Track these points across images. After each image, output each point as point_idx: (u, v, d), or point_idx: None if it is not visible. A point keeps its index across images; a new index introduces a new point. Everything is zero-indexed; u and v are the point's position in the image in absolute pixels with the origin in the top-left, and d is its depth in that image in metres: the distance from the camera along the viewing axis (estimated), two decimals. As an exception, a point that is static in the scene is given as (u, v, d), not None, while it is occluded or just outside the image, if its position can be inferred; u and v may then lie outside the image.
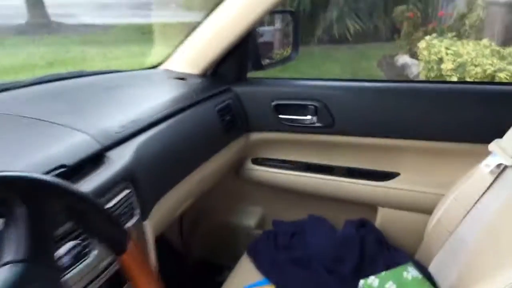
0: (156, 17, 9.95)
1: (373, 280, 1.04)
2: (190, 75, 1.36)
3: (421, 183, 1.30)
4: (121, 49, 7.47)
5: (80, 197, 0.53)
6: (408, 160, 1.32)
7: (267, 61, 1.54)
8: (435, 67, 3.96)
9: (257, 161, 1.47)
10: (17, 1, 12.45)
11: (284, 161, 1.44)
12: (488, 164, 1.07)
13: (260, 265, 1.22)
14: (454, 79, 3.50)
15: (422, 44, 4.50)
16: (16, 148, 0.78)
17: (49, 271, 0.47)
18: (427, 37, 4.43)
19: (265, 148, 1.46)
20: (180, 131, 1.12)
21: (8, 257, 0.45)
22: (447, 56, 3.75)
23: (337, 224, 1.32)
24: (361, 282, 1.04)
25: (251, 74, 1.48)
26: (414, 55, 5.84)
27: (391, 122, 1.28)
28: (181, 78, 1.34)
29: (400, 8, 6.19)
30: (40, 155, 0.75)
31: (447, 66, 3.62)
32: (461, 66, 3.45)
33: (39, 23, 9.19)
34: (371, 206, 1.36)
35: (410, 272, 1.07)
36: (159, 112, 1.09)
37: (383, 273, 1.05)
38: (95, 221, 0.55)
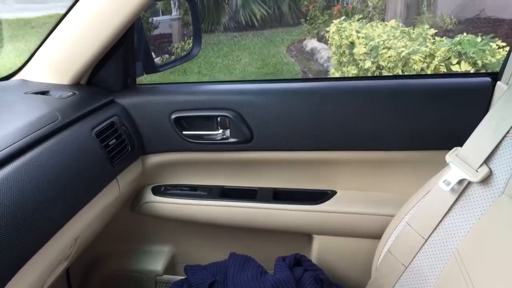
0: (48, 10, 9.16)
1: None
2: (56, 87, 1.01)
3: (363, 203, 1.07)
4: (7, 47, 6.76)
5: None
6: (345, 176, 1.09)
7: (166, 56, 1.23)
8: (347, 51, 3.84)
9: (158, 191, 1.15)
10: None
11: (192, 187, 1.15)
12: (447, 180, 0.86)
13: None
14: (368, 63, 3.40)
15: (332, 28, 4.38)
16: None
17: None
18: (336, 21, 4.32)
19: (166, 173, 1.15)
20: (42, 170, 0.78)
21: None
22: (358, 40, 3.64)
23: (267, 262, 1.05)
24: None
25: (141, 80, 1.15)
26: (322, 39, 5.77)
27: (322, 131, 1.03)
28: (43, 91, 0.98)
29: (305, -8, 6.11)
30: None
31: (359, 50, 3.51)
32: (373, 50, 3.36)
33: None
34: (305, 235, 1.11)
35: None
36: (8, 146, 0.75)
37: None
38: None
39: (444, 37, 3.31)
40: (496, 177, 0.79)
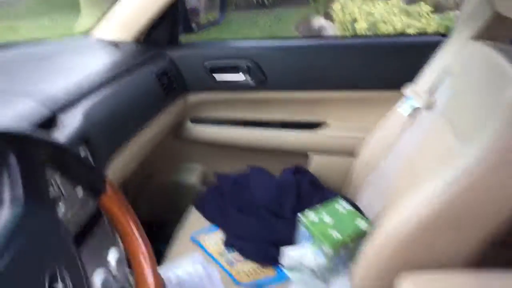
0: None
1: (311, 214, 1.18)
2: (123, 42, 1.39)
3: (346, 129, 1.45)
4: (36, 21, 7.06)
5: (61, 147, 0.58)
6: (334, 110, 1.46)
7: (195, 25, 1.60)
8: (349, 27, 4.18)
9: (196, 120, 1.55)
10: None
11: (222, 119, 1.53)
12: (404, 108, 1.23)
13: (207, 215, 1.32)
14: (368, 37, 3.73)
15: (336, 6, 4.71)
16: None
17: (46, 208, 0.53)
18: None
19: (202, 107, 1.53)
20: (122, 95, 1.17)
21: (6, 199, 0.51)
22: (360, 16, 3.98)
23: (275, 172, 1.44)
24: (301, 217, 1.18)
25: (182, 38, 1.53)
26: (328, 17, 6.06)
27: (317, 76, 1.41)
28: (114, 44, 1.36)
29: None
30: None
31: (361, 25, 3.85)
32: (373, 24, 3.69)
33: None
34: (304, 154, 1.50)
35: (341, 204, 1.21)
36: (99, 78, 1.13)
37: (317, 206, 1.19)
38: (74, 168, 0.61)
39: (436, 14, 3.62)
40: (437, 104, 1.15)
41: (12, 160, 0.52)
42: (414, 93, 1.20)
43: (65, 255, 0.54)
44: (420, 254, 0.88)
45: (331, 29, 5.79)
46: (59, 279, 0.51)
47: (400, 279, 0.83)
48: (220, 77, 1.44)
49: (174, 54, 1.45)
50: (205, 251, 1.20)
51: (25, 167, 0.52)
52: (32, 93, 0.94)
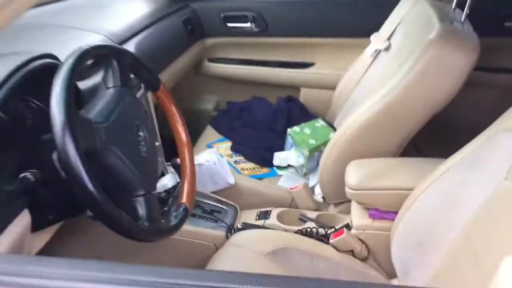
0: None
1: (295, 128, 1.60)
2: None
3: (329, 69, 1.84)
4: None
5: (136, 57, 1.00)
6: (321, 53, 1.86)
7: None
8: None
9: (212, 60, 1.95)
10: None
11: (232, 59, 1.94)
12: (369, 50, 1.62)
13: (220, 130, 1.75)
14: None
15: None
16: (62, 39, 1.22)
17: (131, 92, 0.95)
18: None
19: (218, 49, 1.93)
20: (158, 35, 1.58)
21: (111, 85, 0.93)
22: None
23: (273, 101, 1.86)
24: (288, 130, 1.60)
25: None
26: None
27: (308, 26, 1.79)
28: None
29: None
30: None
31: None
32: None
33: None
34: (296, 87, 1.90)
35: (319, 123, 1.63)
36: (142, 22, 1.53)
37: (302, 124, 1.62)
38: (142, 70, 1.03)
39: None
40: (392, 47, 1.54)
41: (114, 62, 0.94)
42: (377, 39, 1.59)
43: (142, 117, 0.97)
44: (363, 147, 1.29)
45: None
46: (142, 128, 0.94)
47: (349, 167, 1.25)
48: (232, 25, 1.84)
49: (197, 6, 1.84)
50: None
51: (120, 67, 0.94)
52: (98, 30, 1.35)
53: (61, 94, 0.77)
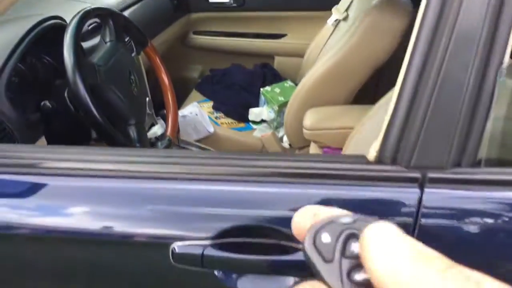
0: None
1: (267, 87, 1.86)
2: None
3: (298, 39, 2.10)
4: None
5: (128, 19, 1.26)
6: (291, 25, 2.11)
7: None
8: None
9: (197, 32, 2.20)
10: None
11: (215, 31, 2.19)
12: (331, 20, 1.87)
13: (204, 93, 2.01)
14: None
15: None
16: (66, 7, 1.47)
17: (124, 46, 1.21)
18: None
19: (202, 23, 2.19)
20: (147, 9, 1.83)
21: (108, 41, 1.19)
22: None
23: (250, 67, 2.12)
24: (261, 90, 1.86)
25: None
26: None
27: (278, 1, 2.05)
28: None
29: None
30: None
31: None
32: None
33: None
34: (270, 56, 2.16)
35: (288, 83, 1.90)
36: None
37: (273, 84, 1.88)
38: (133, 29, 1.28)
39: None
40: (348, 16, 1.79)
41: (110, 21, 1.19)
42: (336, 10, 1.85)
43: (134, 65, 1.23)
44: (318, 98, 1.55)
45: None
46: (133, 73, 1.20)
47: (307, 114, 1.51)
48: (213, 1, 2.09)
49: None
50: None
51: (116, 26, 1.20)
52: (94, 3, 1.60)
53: (70, 44, 1.03)
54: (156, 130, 1.51)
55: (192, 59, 2.27)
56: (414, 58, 0.67)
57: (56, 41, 1.14)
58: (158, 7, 1.91)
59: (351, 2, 1.80)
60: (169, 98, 1.38)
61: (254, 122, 1.88)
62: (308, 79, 1.55)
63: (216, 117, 1.88)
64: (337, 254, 0.25)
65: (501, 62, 0.66)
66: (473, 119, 0.66)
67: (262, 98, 1.87)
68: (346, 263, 0.25)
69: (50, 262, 0.82)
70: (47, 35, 1.22)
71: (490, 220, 0.69)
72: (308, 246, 0.26)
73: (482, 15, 0.64)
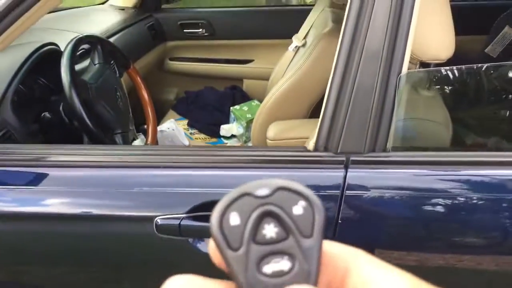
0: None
1: (236, 106, 2.09)
2: (127, 7, 2.26)
3: (264, 63, 2.35)
4: None
5: (113, 44, 1.48)
6: (257, 52, 2.37)
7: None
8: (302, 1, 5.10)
9: (172, 59, 2.43)
10: None
11: (189, 58, 2.43)
12: (291, 47, 2.13)
13: (180, 112, 2.22)
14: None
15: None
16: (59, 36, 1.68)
17: (110, 68, 1.43)
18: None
19: (177, 50, 2.42)
20: (129, 37, 2.05)
21: (97, 63, 1.40)
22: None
23: (221, 89, 2.35)
24: (231, 108, 2.09)
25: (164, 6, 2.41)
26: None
27: (246, 30, 2.31)
28: (122, 9, 2.24)
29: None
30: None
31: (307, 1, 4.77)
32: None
33: None
34: (239, 79, 2.40)
35: (255, 103, 2.13)
36: (115, 27, 2.01)
37: (241, 104, 2.11)
38: (117, 54, 1.50)
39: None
40: (307, 43, 2.04)
41: (99, 46, 1.41)
42: (296, 38, 2.10)
43: (119, 84, 1.45)
44: (279, 113, 1.78)
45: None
46: (118, 90, 1.41)
47: (270, 127, 1.74)
48: (188, 30, 2.33)
49: (158, 15, 2.32)
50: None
51: (103, 51, 1.41)
52: (83, 32, 1.82)
53: (67, 65, 1.24)
54: (138, 143, 1.72)
55: (168, 83, 2.49)
56: (337, 71, 0.91)
57: (50, 65, 1.35)
58: (138, 36, 2.13)
59: (308, 31, 2.06)
60: (149, 112, 1.59)
61: (225, 137, 2.09)
62: (271, 97, 1.78)
63: (191, 133, 2.09)
64: (246, 240, 0.22)
65: (400, 72, 0.90)
66: (381, 116, 0.90)
67: (232, 115, 2.09)
68: (255, 251, 0.22)
69: (53, 242, 1.00)
70: (43, 59, 1.43)
71: (394, 191, 0.92)
72: (214, 230, 0.23)
73: (382, 37, 0.88)
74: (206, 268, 0.94)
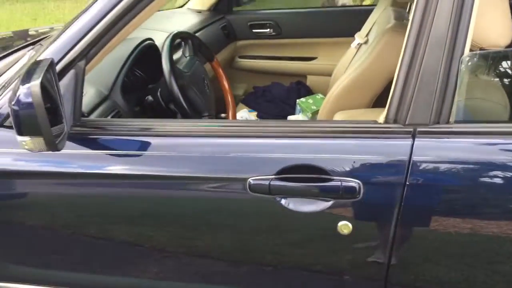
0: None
1: (302, 99, 2.26)
2: (202, 10, 2.50)
3: (327, 60, 2.51)
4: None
5: (201, 40, 1.69)
6: (320, 49, 2.53)
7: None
8: (358, 3, 5.21)
9: (242, 57, 2.65)
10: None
11: (257, 56, 2.63)
12: (354, 44, 2.28)
13: (249, 105, 2.42)
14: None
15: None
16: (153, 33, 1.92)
17: (200, 60, 1.65)
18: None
19: (246, 49, 2.63)
20: (205, 36, 2.27)
21: (189, 55, 1.62)
22: (366, -6, 5.00)
23: (286, 84, 2.54)
24: (297, 101, 2.26)
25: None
26: (350, -4, 6.96)
27: (311, 29, 2.48)
28: (198, 11, 2.47)
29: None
30: None
31: (367, 1, 4.87)
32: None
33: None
34: (303, 75, 2.58)
35: (319, 96, 2.29)
36: (195, 26, 2.24)
37: (307, 96, 2.28)
38: (203, 48, 1.72)
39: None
40: (369, 40, 2.19)
41: (189, 41, 1.63)
42: (359, 36, 2.25)
43: (206, 74, 1.66)
44: (343, 104, 1.93)
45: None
46: (206, 79, 1.63)
47: (335, 116, 1.89)
48: (256, 30, 2.54)
49: (230, 17, 2.54)
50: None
51: (193, 45, 1.63)
52: (165, 30, 2.05)
53: (166, 56, 1.46)
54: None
55: (238, 79, 2.70)
56: (405, 55, 1.06)
57: (145, 57, 1.57)
58: (213, 35, 2.36)
59: (370, 29, 2.20)
60: (229, 99, 1.80)
61: (291, 128, 2.26)
62: (335, 89, 1.93)
63: (260, 123, 2.28)
64: None
65: (461, 54, 1.04)
66: (445, 93, 1.04)
67: (298, 107, 2.27)
68: None
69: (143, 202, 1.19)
70: (141, 53, 1.66)
71: (456, 159, 1.05)
72: None
73: (446, 25, 1.03)
74: (289, 221, 1.10)
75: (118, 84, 1.48)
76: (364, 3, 4.99)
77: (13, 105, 0.92)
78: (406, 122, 1.06)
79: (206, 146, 1.16)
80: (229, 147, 1.16)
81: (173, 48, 1.51)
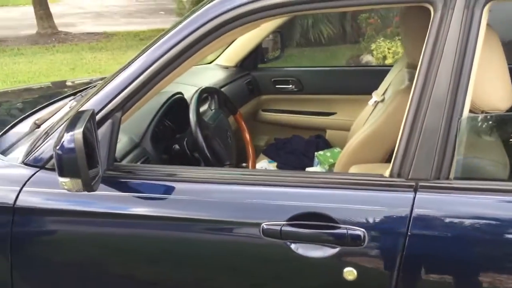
0: (149, 24, 11.14)
1: (320, 152, 2.37)
2: (229, 66, 2.68)
3: (345, 116, 2.63)
4: (127, 54, 8.46)
5: (226, 94, 1.85)
6: (340, 105, 2.66)
7: (266, 59, 2.88)
8: (381, 62, 5.36)
9: (265, 110, 2.80)
10: (14, 13, 13.36)
11: (279, 110, 2.78)
12: (371, 102, 2.40)
13: (269, 156, 2.54)
14: (393, 69, 4.92)
15: (372, 46, 5.91)
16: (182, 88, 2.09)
17: (223, 113, 1.79)
18: (378, 41, 5.83)
19: (269, 103, 2.78)
20: (231, 91, 2.44)
21: (214, 108, 1.77)
22: (389, 54, 5.16)
23: (306, 137, 2.65)
24: (316, 153, 2.36)
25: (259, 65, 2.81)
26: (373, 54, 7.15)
27: (330, 86, 2.62)
28: (225, 67, 2.66)
29: (364, 15, 7.52)
30: None
31: (389, 61, 5.02)
32: (397, 60, 4.83)
33: (48, 33, 10.17)
34: (323, 129, 2.70)
35: (337, 149, 2.40)
36: (221, 82, 2.41)
37: (325, 150, 2.39)
38: (228, 102, 1.86)
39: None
40: (385, 99, 2.31)
41: (215, 95, 1.78)
42: (376, 94, 2.37)
43: (229, 126, 1.79)
44: (359, 158, 2.03)
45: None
46: (229, 131, 1.76)
47: (351, 169, 1.99)
48: (279, 86, 2.70)
49: (255, 74, 2.72)
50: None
51: (219, 99, 1.78)
52: (195, 84, 2.22)
53: (194, 109, 1.61)
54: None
55: (260, 131, 2.84)
56: (409, 115, 1.17)
57: (174, 109, 1.72)
58: (238, 89, 2.52)
59: (387, 88, 2.33)
60: (250, 150, 1.92)
61: (309, 179, 2.36)
62: (352, 143, 2.04)
63: (279, 174, 2.38)
64: None
65: (460, 115, 1.14)
66: (445, 151, 1.14)
67: (316, 160, 2.37)
68: None
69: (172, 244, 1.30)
70: (170, 105, 1.82)
71: (454, 213, 1.13)
72: None
73: (446, 89, 1.13)
74: (298, 265, 1.18)
75: (149, 133, 1.62)
76: (386, 62, 5.17)
77: (58, 149, 1.06)
78: (409, 177, 1.15)
79: (225, 192, 1.27)
80: (246, 194, 1.26)
81: (200, 101, 1.66)
